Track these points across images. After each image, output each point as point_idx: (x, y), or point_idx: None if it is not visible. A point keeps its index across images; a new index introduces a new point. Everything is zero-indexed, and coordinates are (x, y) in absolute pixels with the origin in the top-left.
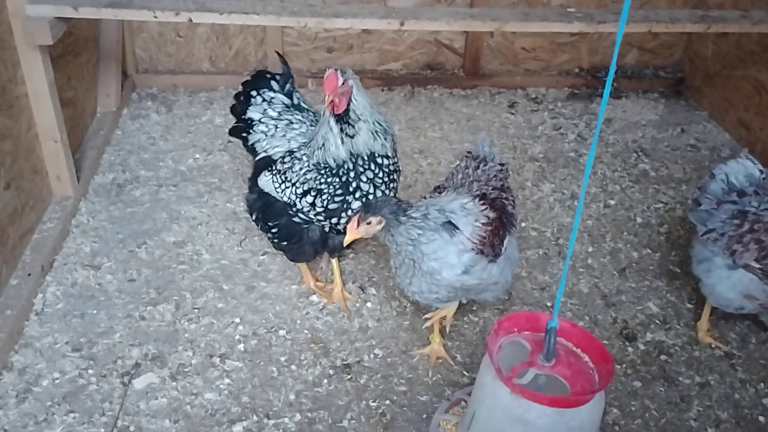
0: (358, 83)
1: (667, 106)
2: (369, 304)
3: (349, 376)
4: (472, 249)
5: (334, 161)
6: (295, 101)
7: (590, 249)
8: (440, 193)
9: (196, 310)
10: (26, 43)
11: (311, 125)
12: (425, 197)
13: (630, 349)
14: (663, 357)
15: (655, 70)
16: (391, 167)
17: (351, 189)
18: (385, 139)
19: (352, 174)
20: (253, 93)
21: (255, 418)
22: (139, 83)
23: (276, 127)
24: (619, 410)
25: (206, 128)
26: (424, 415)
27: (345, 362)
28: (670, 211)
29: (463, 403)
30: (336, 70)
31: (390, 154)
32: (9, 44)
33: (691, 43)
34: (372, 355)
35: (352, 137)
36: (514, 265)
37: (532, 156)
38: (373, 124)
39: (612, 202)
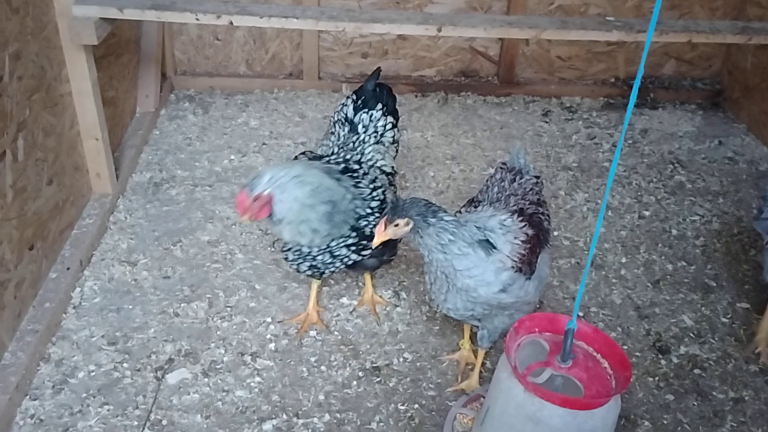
0: (291, 182)
1: (704, 117)
2: (399, 309)
3: (378, 379)
4: (512, 267)
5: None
6: (356, 119)
7: (624, 260)
8: (475, 207)
9: (228, 309)
10: (71, 43)
11: (340, 144)
12: (460, 211)
13: (663, 361)
14: (697, 371)
15: (692, 82)
16: (331, 249)
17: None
18: (320, 236)
19: (287, 247)
20: (352, 94)
21: (285, 416)
22: (177, 85)
23: (328, 129)
24: (650, 423)
25: (241, 130)
26: (442, 418)
27: (374, 365)
28: (706, 224)
29: (481, 399)
30: (246, 186)
31: (315, 248)
32: (55, 44)
33: (730, 55)
34: (401, 359)
35: (279, 231)
36: (543, 282)
37: (566, 165)
38: (299, 224)
39: (647, 213)
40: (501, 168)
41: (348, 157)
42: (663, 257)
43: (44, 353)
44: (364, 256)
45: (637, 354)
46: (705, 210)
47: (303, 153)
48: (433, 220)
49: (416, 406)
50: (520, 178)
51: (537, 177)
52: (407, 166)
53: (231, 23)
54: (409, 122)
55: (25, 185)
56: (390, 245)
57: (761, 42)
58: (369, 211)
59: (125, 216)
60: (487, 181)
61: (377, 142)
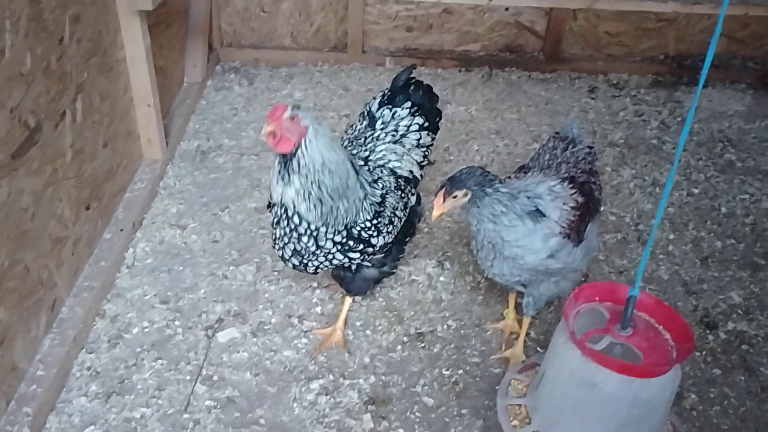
0: (325, 137)
1: (754, 97)
2: (443, 278)
3: (422, 345)
4: (560, 233)
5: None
6: (377, 114)
7: (671, 236)
8: (525, 173)
9: (275, 273)
10: (127, 9)
11: (352, 137)
12: (510, 177)
13: (710, 337)
14: (744, 347)
15: (743, 61)
16: (318, 235)
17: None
18: (320, 210)
19: (276, 218)
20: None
21: (331, 377)
22: (223, 57)
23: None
24: (697, 396)
25: (286, 101)
26: (497, 387)
27: (419, 331)
28: (756, 202)
29: (537, 367)
30: (291, 106)
31: (318, 226)
32: (111, 9)
33: None
34: (445, 326)
35: (285, 184)
36: (592, 252)
37: (612, 141)
38: (311, 183)
39: (695, 191)
40: (554, 137)
41: (354, 152)
42: (711, 234)
43: (99, 309)
44: (352, 259)
45: None
46: (755, 189)
47: None
48: (489, 190)
49: (460, 371)
50: (573, 147)
51: (590, 147)
52: (451, 139)
53: None
54: (453, 96)
55: (83, 146)
56: (392, 255)
57: None
58: (363, 216)
59: (174, 182)
60: (539, 148)
61: (395, 142)
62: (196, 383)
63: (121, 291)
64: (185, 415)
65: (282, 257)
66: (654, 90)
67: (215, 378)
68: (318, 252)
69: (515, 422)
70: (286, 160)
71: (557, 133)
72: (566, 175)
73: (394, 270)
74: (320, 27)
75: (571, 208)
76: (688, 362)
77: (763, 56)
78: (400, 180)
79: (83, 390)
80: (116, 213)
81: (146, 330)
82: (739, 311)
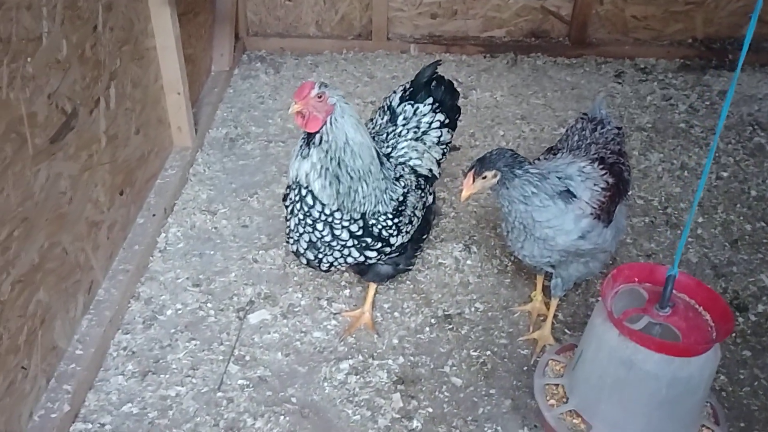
0: (351, 118)
1: None
2: (470, 261)
3: (450, 326)
4: (591, 214)
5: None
6: (398, 110)
7: (701, 219)
8: (554, 154)
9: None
10: None
11: (374, 132)
12: (539, 159)
13: (741, 319)
14: None
15: None
16: (333, 221)
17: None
18: (335, 188)
19: (290, 205)
20: (402, 86)
21: (360, 357)
22: (249, 46)
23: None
24: (726, 377)
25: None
26: (525, 368)
27: (446, 313)
28: None
29: (574, 349)
30: (318, 84)
31: (336, 208)
32: None
33: None
34: (473, 309)
35: (303, 158)
36: (620, 234)
37: (640, 125)
38: (331, 161)
39: (725, 174)
40: (582, 118)
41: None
42: (741, 218)
43: (134, 292)
44: (368, 257)
45: None
46: None
47: None
48: (519, 171)
49: (488, 352)
50: (602, 128)
51: (618, 128)
52: (477, 125)
53: None
54: (478, 82)
55: (116, 133)
56: (407, 254)
57: None
58: (382, 208)
59: (204, 169)
60: (567, 130)
61: (416, 139)
62: (228, 363)
63: (155, 274)
64: (219, 394)
65: (296, 252)
66: (682, 74)
67: (247, 358)
68: (334, 244)
69: (552, 401)
70: (309, 136)
71: (585, 114)
72: (596, 155)
73: (410, 267)
74: (345, 15)
75: (602, 188)
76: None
77: None
78: (420, 179)
79: (120, 369)
80: (148, 199)
81: (179, 312)
82: None
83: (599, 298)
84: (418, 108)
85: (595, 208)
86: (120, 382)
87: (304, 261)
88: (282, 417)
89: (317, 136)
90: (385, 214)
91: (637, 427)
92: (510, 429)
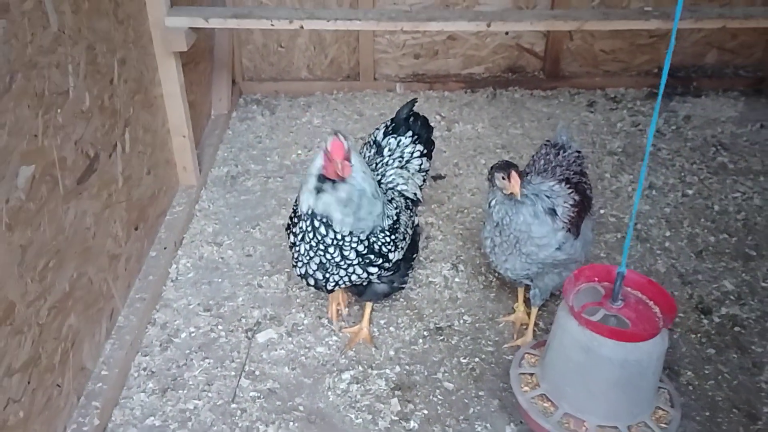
0: (359, 156)
1: (747, 103)
2: (457, 279)
3: (441, 338)
4: (563, 228)
5: (299, 206)
6: (383, 144)
7: (668, 233)
8: (522, 178)
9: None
10: (164, 50)
11: (366, 160)
12: None
13: (705, 321)
14: (737, 329)
15: (735, 70)
16: (343, 244)
17: (295, 221)
18: (357, 218)
19: (300, 233)
20: (384, 122)
21: (360, 368)
22: (245, 90)
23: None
24: (693, 373)
25: (306, 128)
26: (512, 384)
27: (437, 326)
28: (747, 200)
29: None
30: (336, 133)
31: (348, 233)
32: (149, 51)
33: None
34: (462, 321)
35: (322, 192)
36: (589, 245)
37: (611, 150)
38: (356, 196)
39: (690, 192)
40: (545, 144)
41: None
42: (705, 230)
43: (150, 318)
44: (370, 273)
45: (681, 315)
46: (746, 188)
47: None
48: (529, 186)
49: (477, 359)
50: (564, 152)
51: (578, 151)
52: (460, 155)
53: (302, 27)
54: (461, 116)
55: (131, 174)
56: (400, 272)
57: None
58: (384, 226)
59: (209, 205)
60: (533, 156)
61: (401, 167)
62: (240, 378)
63: (168, 302)
64: (233, 405)
65: (303, 274)
66: (649, 101)
67: (257, 373)
68: (342, 263)
69: (526, 389)
70: (328, 180)
71: (548, 141)
72: (561, 176)
73: (403, 285)
74: (334, 58)
75: (571, 205)
76: (685, 343)
77: (755, 64)
78: (408, 200)
79: (142, 387)
80: (159, 233)
81: (193, 334)
82: (732, 297)
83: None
84: (400, 140)
85: (566, 222)
86: (142, 399)
87: (312, 282)
88: (291, 423)
89: (350, 180)
90: (383, 231)
91: (597, 406)
92: (498, 425)
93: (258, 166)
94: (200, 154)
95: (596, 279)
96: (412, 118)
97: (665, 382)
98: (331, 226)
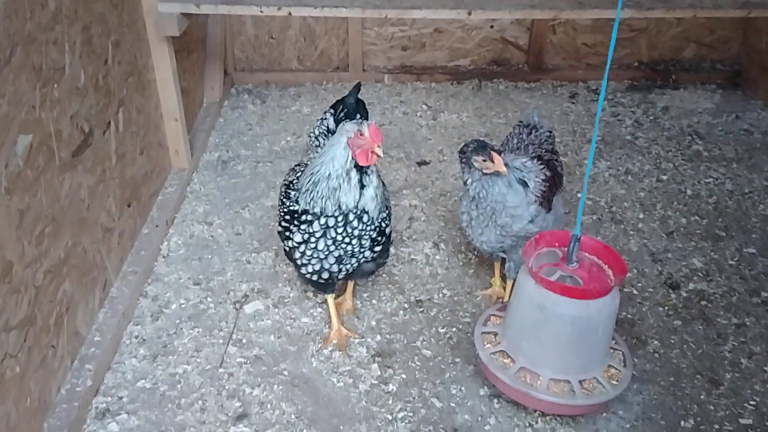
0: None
1: (723, 96)
2: (438, 257)
3: (421, 310)
4: (536, 201)
5: (338, 208)
6: None
7: (641, 215)
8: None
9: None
10: (156, 36)
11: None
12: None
13: (673, 295)
14: (703, 303)
15: (712, 63)
16: (363, 233)
17: (303, 219)
18: (383, 201)
19: (319, 224)
20: (327, 110)
21: None
22: (237, 80)
23: (312, 145)
24: (659, 342)
25: (295, 117)
26: (474, 341)
27: (418, 299)
28: (720, 185)
29: None
30: (366, 121)
31: (375, 218)
32: (143, 36)
33: (747, 38)
34: (441, 295)
35: (366, 186)
36: (561, 220)
37: (590, 139)
38: (380, 184)
39: (664, 177)
40: (518, 125)
41: None
42: (677, 213)
43: (142, 291)
44: (374, 253)
45: (650, 290)
46: (719, 174)
47: (298, 164)
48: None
49: (454, 329)
50: (536, 132)
51: (549, 131)
52: (445, 143)
53: (290, 14)
54: (446, 106)
55: (125, 153)
56: (385, 247)
57: (759, 15)
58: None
59: (200, 187)
60: (507, 136)
61: None
62: (228, 345)
63: (159, 276)
64: (220, 370)
65: (317, 271)
66: (629, 93)
67: (244, 341)
68: (357, 251)
69: (488, 345)
70: (362, 168)
71: (521, 122)
72: (534, 154)
73: (386, 261)
74: (324, 50)
75: (542, 180)
76: (653, 315)
77: (731, 58)
78: (380, 178)
79: (133, 353)
80: (151, 213)
81: (183, 306)
82: (700, 274)
83: None
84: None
85: (538, 196)
86: (134, 364)
87: (325, 276)
88: (276, 386)
89: (370, 166)
90: (386, 209)
91: (550, 360)
92: (472, 388)
93: (248, 152)
94: (192, 139)
95: (556, 244)
96: (357, 102)
97: (620, 344)
98: (362, 217)
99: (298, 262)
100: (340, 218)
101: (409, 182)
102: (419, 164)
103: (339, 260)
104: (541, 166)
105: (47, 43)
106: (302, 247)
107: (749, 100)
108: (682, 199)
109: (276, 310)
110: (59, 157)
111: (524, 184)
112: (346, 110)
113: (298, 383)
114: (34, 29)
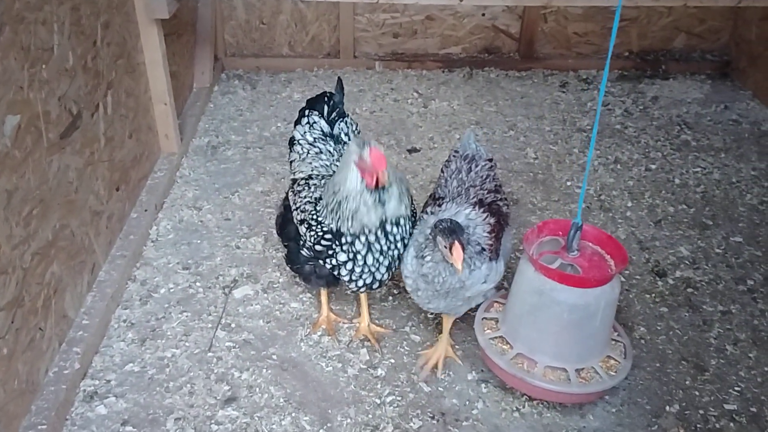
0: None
1: (712, 86)
2: None
3: (409, 296)
4: (487, 258)
5: (363, 227)
6: (336, 131)
7: (629, 204)
8: (440, 205)
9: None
10: (146, 18)
11: (336, 158)
12: (425, 212)
13: (660, 283)
14: (690, 290)
15: (702, 54)
16: (405, 232)
17: (343, 240)
18: (408, 199)
19: (360, 242)
20: (306, 112)
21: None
22: (227, 65)
23: (308, 152)
24: (645, 328)
25: (286, 102)
26: (474, 326)
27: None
28: (707, 174)
29: None
30: (369, 144)
31: (409, 215)
32: (132, 18)
33: (737, 28)
34: None
35: (385, 202)
36: (508, 255)
37: (580, 128)
38: (398, 183)
39: (653, 167)
40: (455, 156)
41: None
42: (665, 201)
43: (131, 275)
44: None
45: (637, 277)
46: (707, 163)
47: (307, 178)
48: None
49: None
50: (476, 166)
51: (490, 160)
52: (436, 130)
53: None
54: (437, 94)
55: (113, 135)
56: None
57: (749, 5)
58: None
59: (189, 172)
60: (443, 171)
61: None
62: (216, 329)
63: (148, 260)
64: (209, 354)
65: (369, 283)
66: (620, 83)
67: (233, 325)
68: (401, 248)
69: (488, 331)
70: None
71: (457, 151)
72: (475, 199)
73: None
74: (315, 36)
75: (488, 232)
76: (640, 302)
77: (721, 49)
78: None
79: (121, 337)
80: (140, 197)
81: (172, 290)
82: (687, 262)
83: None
84: (346, 121)
85: (486, 251)
86: (122, 347)
87: (376, 285)
88: (265, 370)
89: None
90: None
91: (547, 347)
92: (461, 373)
93: (238, 137)
94: (182, 124)
95: (560, 233)
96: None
97: (622, 336)
98: (398, 222)
99: (346, 278)
100: (379, 231)
101: (400, 169)
102: (410, 151)
103: (389, 268)
104: (485, 215)
105: (36, 22)
106: (349, 265)
107: (738, 91)
108: (670, 188)
109: (265, 294)
110: (47, 138)
111: (481, 251)
112: (337, 109)
113: (287, 367)
114: (22, 8)
